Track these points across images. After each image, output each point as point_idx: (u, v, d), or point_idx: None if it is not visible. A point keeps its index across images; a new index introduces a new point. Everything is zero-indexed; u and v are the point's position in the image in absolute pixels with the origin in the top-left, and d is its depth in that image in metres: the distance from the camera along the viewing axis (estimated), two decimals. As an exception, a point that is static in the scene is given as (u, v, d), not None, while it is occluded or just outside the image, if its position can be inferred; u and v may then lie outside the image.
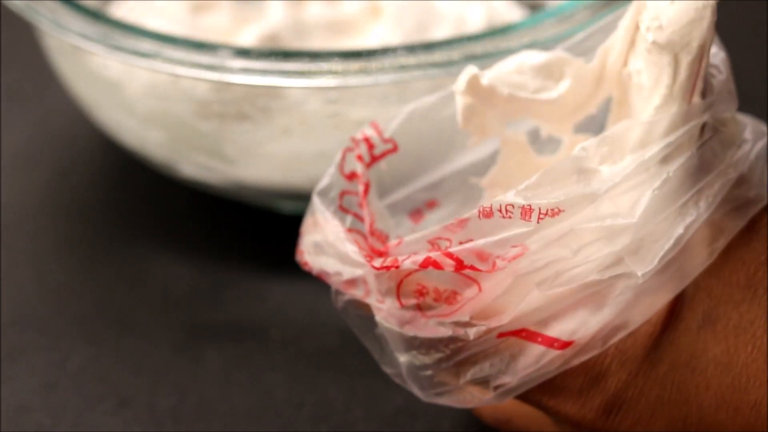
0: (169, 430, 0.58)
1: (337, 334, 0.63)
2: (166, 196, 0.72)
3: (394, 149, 0.47)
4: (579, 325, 0.41)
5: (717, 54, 0.44)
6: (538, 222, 0.40)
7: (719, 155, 0.43)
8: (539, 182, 0.40)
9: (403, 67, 0.58)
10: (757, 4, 0.87)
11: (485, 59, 0.58)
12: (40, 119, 0.79)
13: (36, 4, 0.61)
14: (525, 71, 0.46)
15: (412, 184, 0.48)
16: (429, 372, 0.43)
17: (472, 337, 0.41)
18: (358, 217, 0.45)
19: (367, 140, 0.46)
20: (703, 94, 0.43)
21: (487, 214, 0.40)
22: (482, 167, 0.48)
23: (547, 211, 0.40)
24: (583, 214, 0.40)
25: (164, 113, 0.64)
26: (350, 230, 0.44)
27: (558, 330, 0.41)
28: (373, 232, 0.45)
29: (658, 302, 0.42)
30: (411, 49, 0.58)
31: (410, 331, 0.42)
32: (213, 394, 0.60)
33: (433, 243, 0.42)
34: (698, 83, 0.43)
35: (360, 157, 0.46)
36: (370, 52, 0.58)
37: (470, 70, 0.45)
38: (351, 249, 0.43)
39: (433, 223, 0.48)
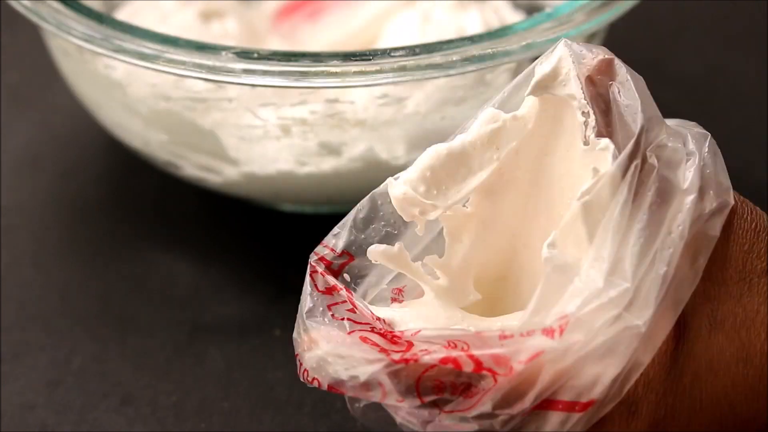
0: (171, 428, 0.59)
1: (338, 333, 0.63)
2: (169, 195, 0.73)
3: (351, 259, 0.48)
4: (594, 383, 0.42)
5: (624, 81, 0.45)
6: (560, 336, 0.41)
7: (673, 180, 0.43)
8: (542, 302, 0.42)
9: (403, 69, 0.58)
10: (757, 4, 0.87)
11: (484, 61, 0.58)
12: (44, 119, 0.79)
13: (40, 6, 0.62)
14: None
15: (379, 284, 0.49)
16: None
17: (499, 427, 0.42)
18: (354, 321, 0.45)
19: (322, 259, 0.47)
20: (607, 129, 0.44)
21: (507, 337, 0.42)
22: (436, 246, 0.49)
23: (565, 323, 0.41)
24: (580, 293, 0.42)
25: (167, 114, 0.64)
26: (352, 332, 0.44)
27: (575, 391, 0.42)
28: (378, 319, 0.46)
29: (660, 335, 0.42)
30: (411, 50, 0.58)
31: (434, 430, 0.43)
32: (215, 392, 0.61)
33: (450, 343, 0.43)
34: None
35: (326, 273, 0.47)
36: (371, 53, 0.58)
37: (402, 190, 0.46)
38: (364, 348, 0.43)
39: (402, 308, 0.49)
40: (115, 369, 0.62)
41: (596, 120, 0.44)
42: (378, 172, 0.63)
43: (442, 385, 0.42)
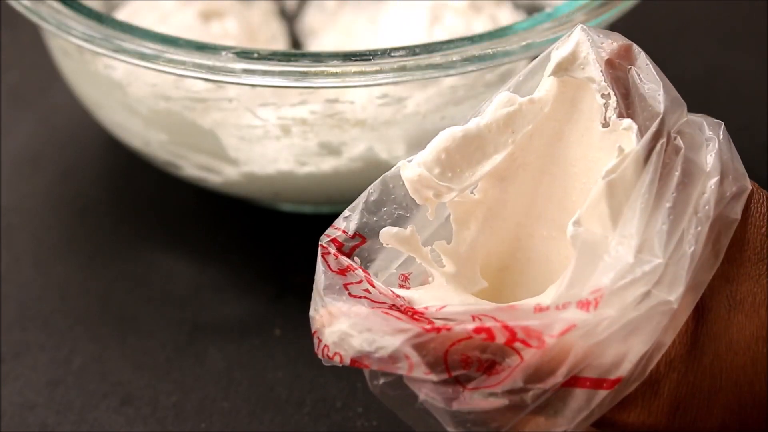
0: (171, 428, 0.59)
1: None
2: (169, 195, 0.73)
3: (363, 241, 0.48)
4: (621, 360, 0.42)
5: (641, 64, 0.45)
6: (595, 309, 0.41)
7: (696, 162, 0.44)
8: (577, 276, 0.42)
9: (403, 69, 0.58)
10: (757, 4, 0.87)
11: (484, 61, 0.58)
12: (44, 119, 0.79)
13: (40, 6, 0.62)
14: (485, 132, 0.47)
15: (387, 269, 0.49)
16: None
17: (530, 402, 0.42)
18: (372, 300, 0.45)
19: (334, 241, 0.47)
20: (627, 111, 0.44)
21: (542, 309, 0.42)
22: (444, 232, 0.49)
23: (599, 296, 0.42)
24: (612, 268, 0.42)
25: (167, 114, 0.64)
26: (372, 309, 0.44)
27: (602, 368, 0.42)
28: (398, 296, 0.46)
29: (683, 316, 0.43)
30: (411, 50, 0.58)
31: (461, 407, 0.43)
32: (215, 391, 0.61)
33: (477, 318, 0.43)
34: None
35: (339, 254, 0.47)
36: (371, 53, 0.58)
37: (416, 171, 0.46)
38: (389, 320, 0.43)
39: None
40: (115, 369, 0.62)
41: (617, 101, 0.45)
42: (378, 172, 0.62)
43: (468, 360, 0.42)
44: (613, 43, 0.46)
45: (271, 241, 0.69)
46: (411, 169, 0.46)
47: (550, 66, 0.46)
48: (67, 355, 0.63)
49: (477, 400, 0.43)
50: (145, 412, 0.60)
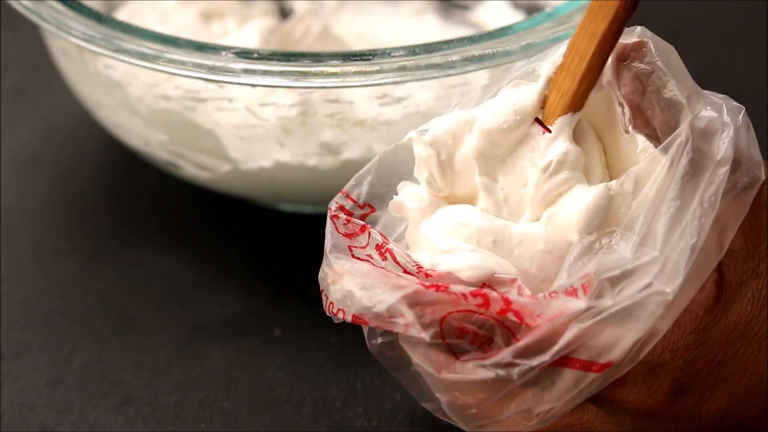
0: (171, 428, 0.59)
1: (337, 333, 0.63)
2: (168, 195, 0.73)
3: (372, 210, 0.49)
4: (613, 345, 0.42)
5: (662, 50, 0.45)
6: (585, 295, 0.42)
7: (707, 152, 0.43)
8: (572, 268, 0.43)
9: (403, 69, 0.58)
10: (757, 4, 0.88)
11: (484, 61, 0.58)
12: (44, 119, 0.79)
13: (40, 6, 0.62)
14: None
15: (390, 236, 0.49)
16: (473, 410, 0.44)
17: (516, 377, 0.42)
18: (373, 265, 0.45)
19: (342, 208, 0.48)
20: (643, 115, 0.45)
21: (532, 297, 0.43)
22: None
23: (587, 282, 0.42)
24: (607, 261, 0.42)
25: (167, 113, 0.64)
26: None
27: (593, 352, 0.42)
28: (408, 255, 0.46)
29: (681, 306, 0.43)
30: (411, 50, 0.58)
31: (450, 376, 0.43)
32: (215, 391, 0.61)
33: (483, 287, 0.44)
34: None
35: (349, 221, 0.47)
36: (371, 53, 0.59)
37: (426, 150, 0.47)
38: (389, 275, 0.44)
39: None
40: (116, 369, 0.62)
41: (629, 113, 0.45)
42: (378, 172, 0.63)
43: (464, 330, 0.43)
44: (626, 41, 0.46)
45: (271, 241, 0.69)
46: (423, 149, 0.47)
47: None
48: (67, 355, 0.63)
49: (466, 370, 0.43)
50: (145, 412, 0.60)
